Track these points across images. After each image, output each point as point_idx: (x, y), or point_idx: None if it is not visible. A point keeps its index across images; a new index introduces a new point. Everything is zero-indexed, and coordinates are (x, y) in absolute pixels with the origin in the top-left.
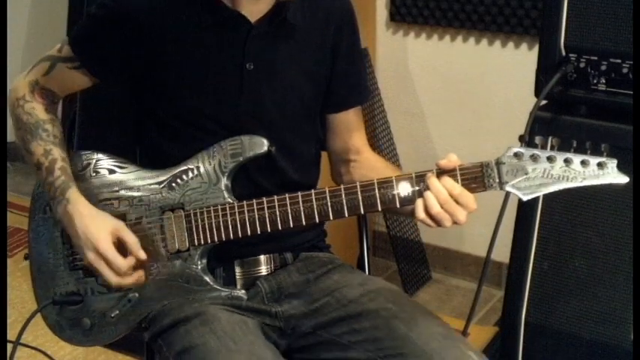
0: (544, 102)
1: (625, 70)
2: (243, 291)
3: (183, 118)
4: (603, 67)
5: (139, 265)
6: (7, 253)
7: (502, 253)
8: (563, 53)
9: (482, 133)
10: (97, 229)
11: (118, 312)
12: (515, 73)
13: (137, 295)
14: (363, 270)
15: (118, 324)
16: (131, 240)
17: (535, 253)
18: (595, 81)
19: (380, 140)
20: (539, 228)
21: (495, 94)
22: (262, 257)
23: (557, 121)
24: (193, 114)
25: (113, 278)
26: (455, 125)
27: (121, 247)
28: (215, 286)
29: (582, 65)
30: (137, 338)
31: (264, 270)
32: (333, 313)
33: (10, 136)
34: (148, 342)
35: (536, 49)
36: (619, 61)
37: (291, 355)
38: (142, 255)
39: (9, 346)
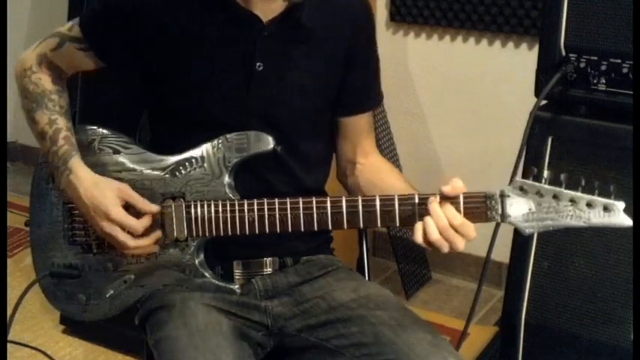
0: (544, 102)
1: (625, 70)
2: (237, 285)
3: (191, 112)
4: (603, 67)
5: (152, 225)
6: (7, 253)
7: (502, 253)
8: (563, 53)
9: (482, 133)
10: (102, 195)
11: (112, 292)
12: (515, 73)
13: (133, 277)
14: (363, 271)
15: (113, 303)
16: (139, 198)
17: (535, 253)
18: (595, 81)
19: (380, 140)
20: None
21: (495, 94)
22: (262, 260)
23: (557, 121)
24: (201, 109)
25: (130, 242)
26: (455, 125)
27: (130, 210)
28: (210, 277)
29: (582, 65)
30: (137, 338)
31: (263, 271)
32: (321, 316)
33: (10, 136)
34: (137, 325)
35: (536, 49)
36: (619, 61)
37: (279, 356)
38: (155, 208)
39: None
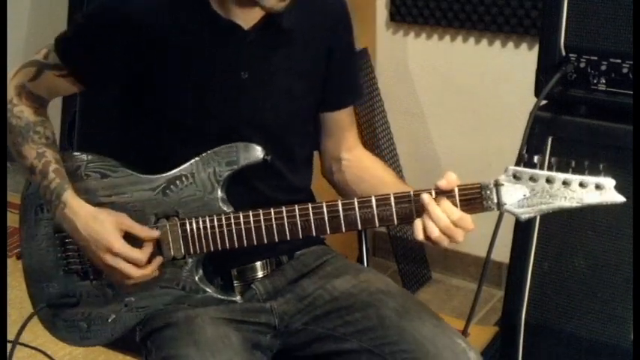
0: (544, 102)
1: (625, 70)
2: (238, 297)
3: (182, 121)
4: (603, 67)
5: (154, 251)
6: (7, 253)
7: (502, 253)
8: (563, 53)
9: (482, 133)
10: (102, 227)
11: (114, 316)
12: (515, 73)
13: (133, 299)
14: None
15: (114, 327)
16: (138, 227)
17: (535, 253)
18: (595, 81)
19: (380, 140)
20: (539, 228)
21: (495, 94)
22: (259, 263)
23: (557, 121)
24: (192, 118)
25: (135, 272)
26: (455, 125)
27: (129, 238)
28: (211, 292)
29: (582, 65)
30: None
31: (260, 274)
32: (325, 306)
33: None
34: (138, 342)
35: (536, 49)
36: (619, 61)
37: (288, 354)
38: (156, 233)
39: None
